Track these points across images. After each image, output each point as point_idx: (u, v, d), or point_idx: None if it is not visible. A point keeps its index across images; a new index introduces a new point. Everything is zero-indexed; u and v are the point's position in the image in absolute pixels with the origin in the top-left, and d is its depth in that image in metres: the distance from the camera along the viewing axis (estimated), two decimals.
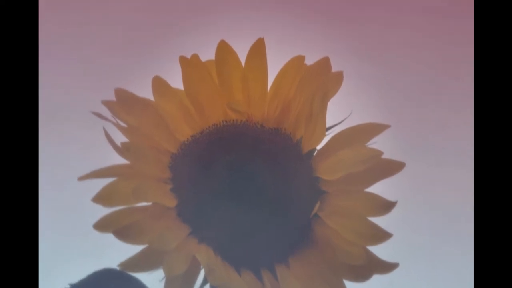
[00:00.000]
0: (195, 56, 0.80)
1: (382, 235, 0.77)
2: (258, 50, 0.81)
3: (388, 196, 0.78)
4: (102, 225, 0.76)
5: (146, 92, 0.81)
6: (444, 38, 1.45)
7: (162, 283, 0.76)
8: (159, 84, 0.81)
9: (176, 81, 0.81)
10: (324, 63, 0.80)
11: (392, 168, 0.78)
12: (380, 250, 0.79)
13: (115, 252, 0.77)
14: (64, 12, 1.43)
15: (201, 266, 0.77)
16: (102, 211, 0.77)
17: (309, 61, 0.80)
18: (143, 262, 0.77)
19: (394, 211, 0.78)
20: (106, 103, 0.80)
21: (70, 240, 1.20)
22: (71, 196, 0.87)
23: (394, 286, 0.99)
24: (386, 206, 0.78)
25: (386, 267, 0.78)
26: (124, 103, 0.80)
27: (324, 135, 0.79)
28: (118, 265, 0.77)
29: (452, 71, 1.44)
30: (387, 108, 1.30)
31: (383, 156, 0.78)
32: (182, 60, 0.80)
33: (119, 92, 0.80)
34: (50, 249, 1.28)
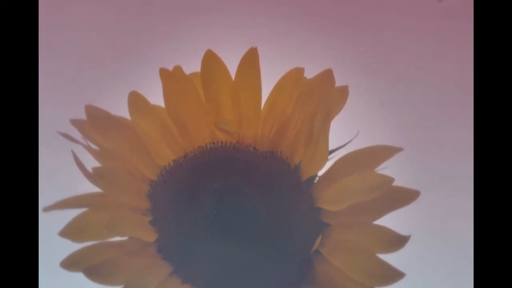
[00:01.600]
0: (178, 68, 0.82)
1: (393, 275, 0.77)
2: (250, 61, 0.81)
3: (401, 229, 0.78)
4: (71, 263, 0.77)
5: (121, 109, 0.81)
6: (462, 46, 1.45)
7: None
8: (136, 101, 0.82)
9: (156, 97, 0.82)
10: (327, 76, 0.81)
11: (405, 197, 0.79)
12: None
13: None
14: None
15: None
16: (72, 246, 0.77)
17: (309, 74, 0.81)
18: None
19: (407, 246, 0.77)
20: (75, 122, 0.81)
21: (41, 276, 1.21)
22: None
23: None
24: (397, 241, 0.78)
25: None
26: (96, 123, 0.81)
27: (326, 159, 0.80)
28: None
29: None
30: (400, 128, 1.31)
31: (395, 184, 0.78)
32: (163, 72, 0.81)
33: (90, 110, 0.81)
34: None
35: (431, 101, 1.46)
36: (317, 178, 0.81)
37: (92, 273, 0.76)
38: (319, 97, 0.81)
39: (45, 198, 0.79)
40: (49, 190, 0.80)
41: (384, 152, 0.80)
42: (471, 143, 0.85)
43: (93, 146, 0.80)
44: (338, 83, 0.81)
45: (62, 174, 0.79)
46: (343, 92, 0.80)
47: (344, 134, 0.81)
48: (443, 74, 1.47)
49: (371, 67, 1.38)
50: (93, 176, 0.78)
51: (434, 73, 1.47)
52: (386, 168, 0.80)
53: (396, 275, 0.77)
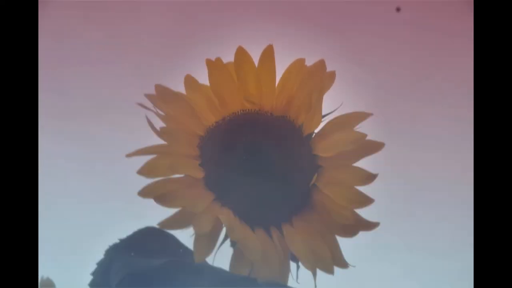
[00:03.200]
0: (218, 59, 0.81)
1: (365, 200, 0.78)
2: (268, 54, 0.80)
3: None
4: (145, 192, 0.77)
5: (179, 87, 0.81)
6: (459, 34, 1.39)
7: (192, 239, 0.77)
8: (190, 81, 0.81)
9: (203, 79, 0.82)
10: (320, 64, 0.80)
11: (374, 147, 0.79)
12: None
13: (155, 214, 0.78)
14: (104, 18, 1.42)
15: (223, 225, 0.78)
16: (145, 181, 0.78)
17: (309, 62, 0.81)
18: (177, 222, 0.78)
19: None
20: (148, 96, 0.80)
21: (118, 206, 1.21)
22: (119, 171, 0.87)
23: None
24: (369, 177, 0.78)
25: (369, 226, 0.79)
26: (162, 96, 0.80)
27: (320, 121, 0.80)
28: (158, 224, 0.78)
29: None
30: (371, 101, 1.29)
31: (367, 138, 0.78)
32: (208, 62, 0.80)
33: (158, 88, 0.80)
34: (103, 212, 1.29)
35: (394, 82, 1.43)
36: (314, 134, 0.81)
37: (160, 200, 0.76)
38: (315, 79, 0.80)
39: (127, 149, 0.79)
40: (129, 144, 0.81)
41: (360, 116, 0.79)
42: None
43: (160, 112, 0.80)
44: (329, 69, 0.80)
45: (139, 132, 0.79)
46: (332, 75, 0.80)
47: (332, 104, 0.81)
48: (408, 63, 1.43)
49: (351, 59, 1.37)
50: (160, 133, 0.78)
51: (398, 63, 1.43)
52: (361, 127, 0.79)
53: (368, 200, 0.78)
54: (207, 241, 0.77)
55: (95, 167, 1.32)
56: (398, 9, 1.33)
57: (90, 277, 0.81)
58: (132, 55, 1.36)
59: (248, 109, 0.82)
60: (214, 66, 0.81)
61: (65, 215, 1.31)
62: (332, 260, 0.79)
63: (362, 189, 0.79)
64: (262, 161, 0.80)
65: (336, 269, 0.79)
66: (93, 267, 0.82)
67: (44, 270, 0.98)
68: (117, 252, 0.81)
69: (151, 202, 0.77)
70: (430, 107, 1.39)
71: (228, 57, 0.81)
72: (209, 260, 0.79)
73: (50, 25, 1.35)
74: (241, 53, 0.81)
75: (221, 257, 0.79)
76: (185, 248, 0.82)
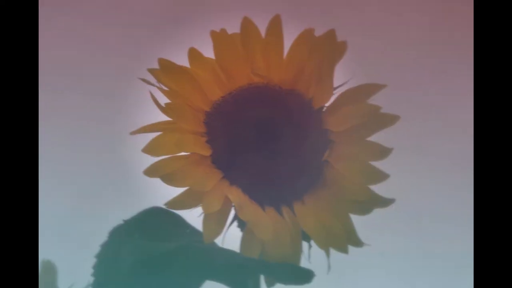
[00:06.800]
0: (224, 30, 0.80)
1: (380, 176, 0.77)
2: (275, 24, 0.79)
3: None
4: (151, 171, 0.76)
5: (183, 61, 0.81)
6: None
7: (200, 219, 0.77)
8: (194, 54, 0.80)
9: (208, 51, 0.81)
10: (330, 34, 0.79)
11: (388, 120, 0.78)
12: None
13: (161, 194, 0.78)
14: None
15: (232, 204, 0.78)
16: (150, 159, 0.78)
17: (318, 33, 0.80)
18: (184, 201, 0.77)
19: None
20: (151, 71, 0.79)
21: (125, 183, 1.21)
22: (126, 149, 0.88)
23: None
24: (384, 152, 0.77)
25: (385, 202, 0.78)
26: (166, 71, 0.79)
27: (331, 94, 0.79)
28: (164, 204, 0.77)
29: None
30: (384, 72, 1.30)
31: (381, 111, 0.78)
32: (213, 33, 0.80)
33: (162, 61, 0.79)
34: (111, 191, 1.30)
35: (410, 52, 1.43)
36: (324, 107, 0.80)
37: (167, 179, 0.76)
38: (325, 50, 0.78)
39: (133, 125, 0.79)
40: (134, 118, 0.81)
41: (373, 88, 0.78)
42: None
43: (164, 88, 0.79)
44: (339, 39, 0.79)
45: (145, 106, 0.79)
46: (343, 46, 0.79)
47: (344, 76, 0.80)
48: (423, 31, 1.44)
49: (361, 27, 1.38)
50: (165, 109, 0.78)
51: (411, 33, 1.44)
52: (374, 100, 0.78)
53: (383, 176, 0.77)
54: (216, 220, 0.77)
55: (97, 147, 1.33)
56: None
57: (94, 260, 0.81)
58: (131, 29, 1.37)
59: (256, 83, 0.81)
60: (219, 38, 0.80)
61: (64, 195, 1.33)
62: (346, 238, 0.78)
63: (377, 164, 0.78)
64: (270, 136, 0.80)
65: (350, 248, 0.79)
66: (95, 249, 0.81)
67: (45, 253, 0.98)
68: (122, 234, 0.82)
69: (157, 181, 0.77)
70: (444, 76, 1.40)
71: (234, 29, 0.81)
72: (218, 242, 0.79)
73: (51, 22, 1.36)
74: (247, 24, 0.80)
75: (230, 239, 0.79)
76: (193, 229, 0.83)
